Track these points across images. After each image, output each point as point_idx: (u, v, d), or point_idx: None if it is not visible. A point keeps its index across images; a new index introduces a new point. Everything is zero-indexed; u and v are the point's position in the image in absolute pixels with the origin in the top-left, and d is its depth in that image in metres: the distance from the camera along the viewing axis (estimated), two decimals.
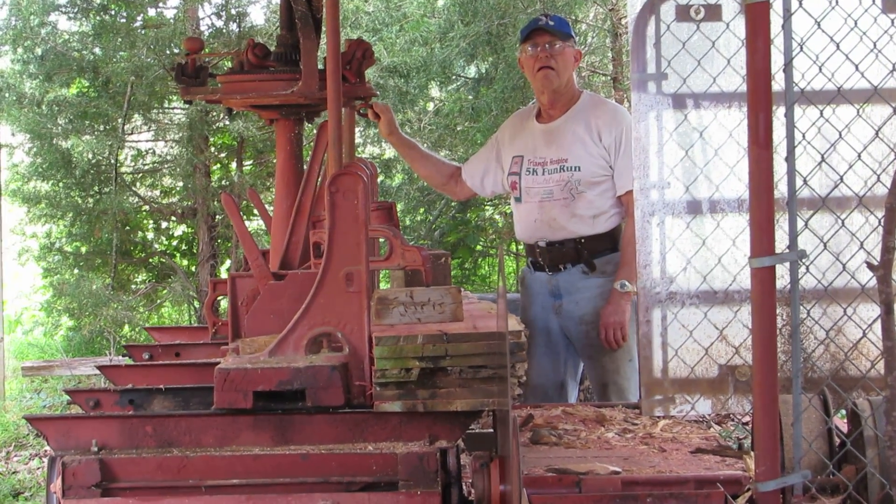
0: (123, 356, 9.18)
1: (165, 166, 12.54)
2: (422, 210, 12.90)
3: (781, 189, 3.57)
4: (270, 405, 3.70)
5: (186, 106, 11.66)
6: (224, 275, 12.23)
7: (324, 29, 4.71)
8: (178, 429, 3.71)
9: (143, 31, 11.73)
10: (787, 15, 3.48)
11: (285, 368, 3.67)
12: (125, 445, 3.70)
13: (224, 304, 4.78)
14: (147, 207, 12.64)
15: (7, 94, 11.51)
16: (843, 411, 4.00)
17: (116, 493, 3.63)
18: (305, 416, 3.70)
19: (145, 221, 12.97)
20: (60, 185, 11.88)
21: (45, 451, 9.03)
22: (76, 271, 12.29)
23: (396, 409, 3.60)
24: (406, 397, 3.58)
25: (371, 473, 3.62)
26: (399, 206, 10.76)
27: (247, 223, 4.73)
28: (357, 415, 3.70)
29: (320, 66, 4.66)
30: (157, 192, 13.00)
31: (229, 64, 4.97)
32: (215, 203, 11.84)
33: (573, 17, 11.93)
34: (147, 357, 5.17)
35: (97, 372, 6.28)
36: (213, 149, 12.41)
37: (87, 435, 3.70)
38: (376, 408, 3.60)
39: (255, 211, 9.95)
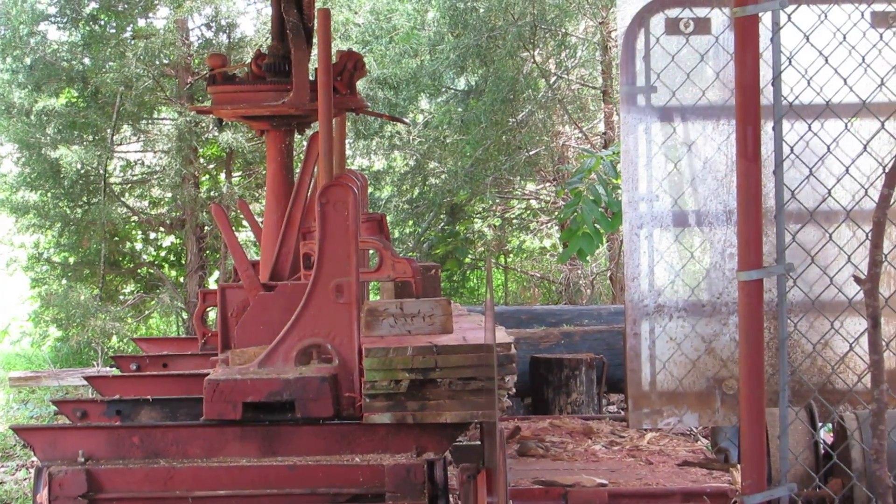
0: (111, 367, 9.15)
1: (154, 177, 12.52)
2: (410, 222, 12.90)
3: (769, 202, 3.57)
4: (259, 416, 3.70)
5: (175, 117, 11.66)
6: (212, 286, 12.20)
7: (315, 40, 4.72)
8: (164, 440, 3.71)
9: (132, 42, 11.71)
10: (776, 28, 3.49)
11: (275, 379, 3.66)
12: (112, 456, 3.69)
13: (213, 314, 4.78)
14: (135, 218, 12.61)
15: None
16: (830, 425, 4.01)
17: None
18: (292, 428, 3.69)
19: (134, 232, 12.95)
20: (49, 195, 11.86)
21: (32, 461, 8.98)
22: (64, 282, 12.26)
23: (386, 421, 3.60)
24: (395, 409, 3.58)
25: (358, 485, 3.61)
26: (388, 218, 10.76)
27: (236, 234, 4.74)
28: (344, 426, 3.70)
29: (311, 77, 4.66)
30: (146, 203, 12.97)
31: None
32: (204, 214, 11.82)
33: (563, 31, 11.96)
34: (134, 368, 5.16)
35: (84, 383, 6.26)
36: (201, 160, 12.39)
37: (73, 445, 3.69)
38: (365, 419, 3.60)
39: (245, 222, 9.96)
